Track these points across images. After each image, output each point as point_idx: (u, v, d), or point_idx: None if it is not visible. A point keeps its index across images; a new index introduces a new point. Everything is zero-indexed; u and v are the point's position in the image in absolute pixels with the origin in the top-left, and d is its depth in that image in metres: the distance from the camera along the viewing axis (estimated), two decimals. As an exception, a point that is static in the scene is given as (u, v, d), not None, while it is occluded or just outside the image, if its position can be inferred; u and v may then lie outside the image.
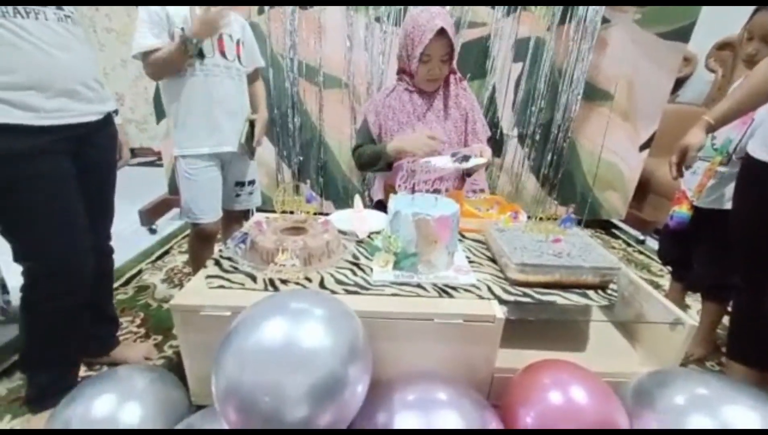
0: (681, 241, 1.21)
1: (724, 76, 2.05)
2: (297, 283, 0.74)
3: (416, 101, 1.14)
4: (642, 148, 1.87)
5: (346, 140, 1.86)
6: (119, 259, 1.56)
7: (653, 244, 1.91)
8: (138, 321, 1.23)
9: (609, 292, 0.76)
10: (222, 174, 1.17)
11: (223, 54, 1.06)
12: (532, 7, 1.64)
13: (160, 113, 1.81)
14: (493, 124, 1.81)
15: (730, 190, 1.04)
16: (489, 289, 0.75)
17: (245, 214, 1.32)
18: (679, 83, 2.57)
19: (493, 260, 0.86)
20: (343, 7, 1.63)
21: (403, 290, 0.73)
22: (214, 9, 0.95)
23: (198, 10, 0.96)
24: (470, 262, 0.85)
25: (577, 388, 0.60)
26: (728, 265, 1.07)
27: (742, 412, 0.54)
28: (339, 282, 0.75)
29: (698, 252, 1.15)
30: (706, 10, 1.65)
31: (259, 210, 1.29)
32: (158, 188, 2.06)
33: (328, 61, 1.72)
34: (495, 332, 0.68)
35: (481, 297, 0.72)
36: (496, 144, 1.86)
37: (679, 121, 2.03)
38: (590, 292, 0.75)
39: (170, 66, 1.00)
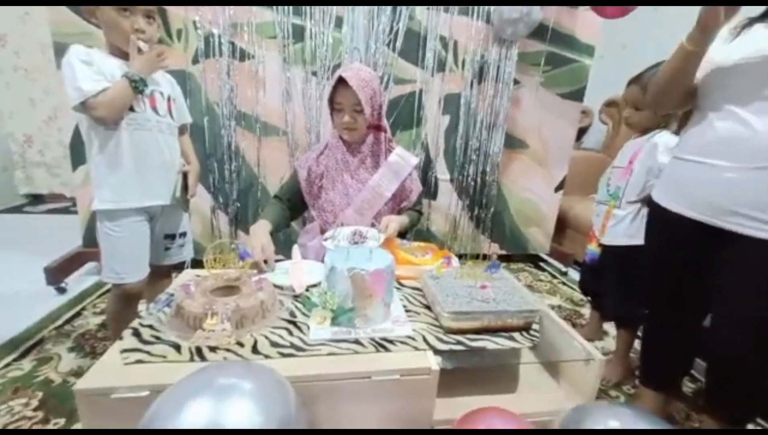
0: (595, 274, 1.36)
1: (613, 128, 2.43)
2: (228, 350, 0.70)
3: (347, 157, 1.20)
4: (557, 189, 2.12)
5: (285, 186, 1.85)
6: (15, 326, 1.36)
7: (574, 274, 2.11)
8: (35, 403, 1.04)
9: (532, 332, 0.82)
10: (150, 226, 1.11)
11: (154, 109, 1.04)
12: (455, 68, 1.83)
13: (76, 159, 1.66)
14: (428, 169, 1.94)
15: (623, 228, 1.22)
16: (424, 339, 0.77)
17: (176, 268, 1.24)
18: (582, 132, 2.99)
19: (429, 307, 0.90)
20: (280, 61, 1.69)
21: (341, 348, 0.73)
22: (156, 48, 0.98)
23: (140, 47, 0.96)
24: (407, 310, 0.88)
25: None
26: (633, 295, 1.23)
27: None
28: (274, 344, 0.72)
29: (607, 284, 1.30)
30: (594, 74, 1.98)
31: (193, 262, 1.22)
32: (70, 239, 1.83)
33: (266, 110, 1.74)
34: (431, 384, 0.70)
35: (416, 348, 0.74)
36: (431, 188, 1.97)
37: (585, 164, 2.36)
38: (516, 335, 0.81)
39: (123, 104, 0.96)
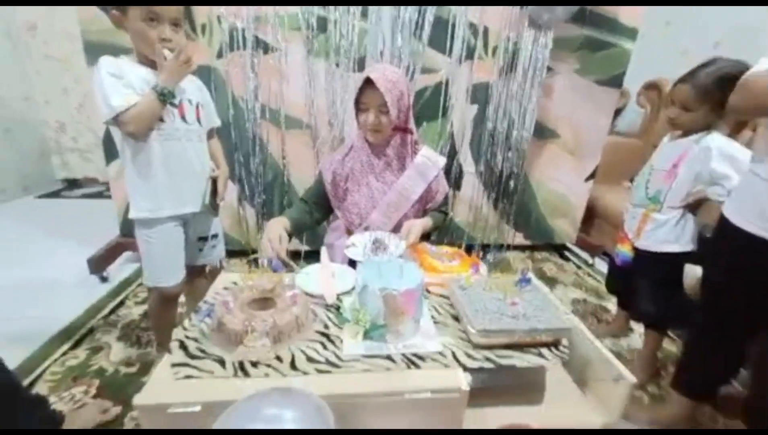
0: (625, 275, 1.33)
1: (651, 113, 2.29)
2: (268, 365, 0.75)
3: (372, 160, 1.19)
4: (587, 179, 2.04)
5: (309, 179, 1.86)
6: (66, 315, 1.47)
7: (601, 265, 2.08)
8: (93, 390, 1.15)
9: (561, 348, 0.83)
10: (184, 230, 1.15)
11: (183, 118, 1.05)
12: (484, 56, 1.75)
13: (109, 154, 1.72)
14: (453, 160, 1.91)
15: (663, 233, 1.17)
16: (454, 355, 0.79)
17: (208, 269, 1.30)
18: (616, 113, 2.84)
19: (457, 319, 0.91)
20: (304, 53, 1.66)
21: (373, 364, 0.76)
22: (182, 56, 0.96)
23: (166, 56, 0.95)
24: (435, 322, 0.89)
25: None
26: (667, 300, 1.20)
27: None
28: (310, 359, 0.76)
29: (639, 287, 1.27)
30: (636, 56, 1.86)
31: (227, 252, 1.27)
32: (106, 225, 1.91)
33: (289, 104, 1.74)
34: (461, 402, 0.72)
35: (446, 366, 0.76)
36: (456, 179, 1.95)
37: (618, 151, 2.26)
38: (545, 351, 0.82)
39: (153, 117, 0.97)
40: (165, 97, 0.96)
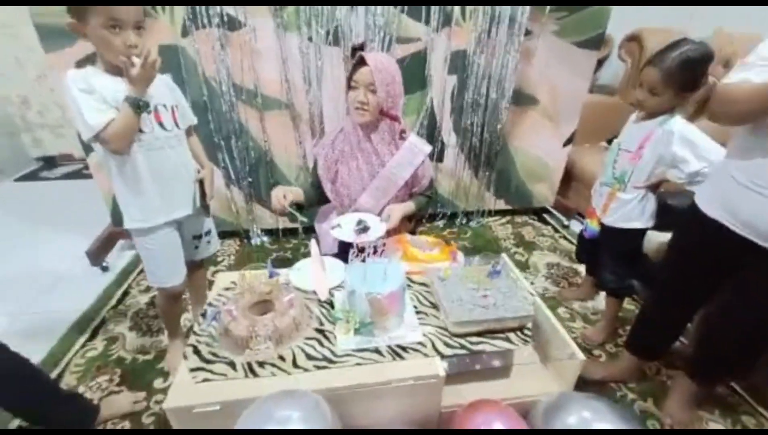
0: (591, 246, 1.44)
1: (632, 68, 2.28)
2: (273, 365, 0.86)
3: (363, 144, 1.25)
4: (565, 144, 2.10)
5: (293, 158, 1.89)
6: (77, 306, 1.57)
7: (576, 227, 2.21)
8: (117, 378, 1.28)
9: (525, 332, 0.97)
10: (179, 231, 1.20)
11: (161, 125, 1.05)
12: (462, 21, 1.69)
13: (87, 147, 1.69)
14: (435, 131, 1.92)
15: (627, 211, 1.25)
16: (433, 345, 0.92)
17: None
18: (598, 64, 2.80)
19: (436, 307, 1.03)
20: (274, 28, 1.58)
21: (364, 357, 0.88)
22: (149, 60, 0.92)
23: (134, 63, 0.91)
24: (417, 311, 1.01)
25: (497, 421, 0.81)
26: (627, 272, 1.34)
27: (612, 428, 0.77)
28: (309, 357, 0.88)
29: (603, 259, 1.39)
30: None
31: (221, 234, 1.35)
32: (94, 210, 1.92)
33: (265, 83, 1.69)
34: (439, 385, 0.86)
35: (426, 355, 0.89)
36: (438, 152, 1.98)
37: (597, 111, 2.28)
38: (511, 335, 0.95)
39: (132, 131, 0.97)
40: (140, 108, 0.95)
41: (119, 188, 1.07)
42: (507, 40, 1.72)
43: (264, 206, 1.98)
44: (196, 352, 0.90)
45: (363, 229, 1.16)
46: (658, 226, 1.41)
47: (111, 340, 1.44)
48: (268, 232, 2.09)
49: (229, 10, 1.53)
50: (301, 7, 1.55)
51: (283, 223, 2.06)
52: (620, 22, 2.33)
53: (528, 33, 1.74)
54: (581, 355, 0.91)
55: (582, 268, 1.82)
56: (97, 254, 1.82)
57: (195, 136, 1.24)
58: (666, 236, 1.54)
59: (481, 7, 1.66)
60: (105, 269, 1.83)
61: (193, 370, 0.85)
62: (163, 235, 1.14)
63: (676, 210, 1.51)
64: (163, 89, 1.07)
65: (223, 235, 2.02)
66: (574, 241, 2.05)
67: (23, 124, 2.95)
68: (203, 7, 1.50)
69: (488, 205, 2.22)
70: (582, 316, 1.56)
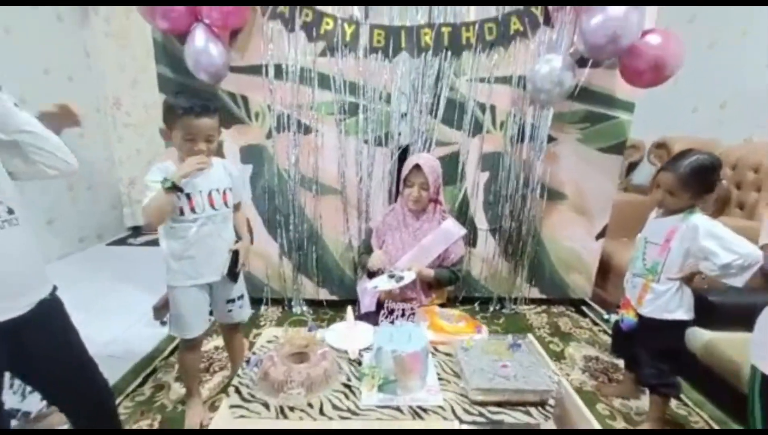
0: (629, 340, 1.38)
1: (662, 171, 2.40)
2: (302, 411, 0.94)
3: (408, 220, 1.54)
4: (598, 237, 2.16)
5: (339, 236, 2.13)
6: (136, 355, 1.75)
7: (617, 322, 2.13)
8: (155, 425, 1.38)
9: (547, 408, 0.97)
10: (212, 294, 1.36)
11: (212, 206, 1.27)
12: (493, 129, 1.99)
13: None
14: (468, 220, 2.10)
15: (664, 302, 1.25)
16: (452, 409, 0.95)
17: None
18: (632, 167, 2.96)
19: (458, 375, 1.07)
20: (337, 132, 1.97)
21: (384, 414, 0.94)
22: (193, 160, 1.14)
23: (188, 160, 1.14)
24: (440, 378, 1.06)
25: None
26: (668, 366, 1.28)
27: None
28: (335, 407, 0.95)
29: (642, 353, 1.34)
30: (644, 108, 2.03)
31: (252, 300, 1.51)
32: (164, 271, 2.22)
33: (324, 174, 2.03)
34: (456, 451, 0.88)
35: (445, 418, 0.93)
36: (471, 237, 2.13)
37: (630, 208, 2.36)
38: (532, 409, 0.96)
39: (160, 210, 1.14)
40: (164, 183, 1.10)
41: (164, 251, 1.26)
42: (534, 146, 1.97)
43: (308, 278, 2.18)
44: (237, 391, 1.01)
45: (397, 278, 1.35)
46: (702, 323, 1.37)
47: (158, 387, 1.57)
48: (310, 302, 2.24)
49: (304, 119, 1.96)
50: (360, 117, 1.95)
51: (323, 295, 2.22)
52: (649, 129, 2.56)
53: (553, 139, 1.99)
54: (605, 438, 0.89)
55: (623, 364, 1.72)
56: (160, 310, 2.06)
57: (241, 212, 1.45)
58: (711, 334, 1.48)
59: (509, 118, 1.96)
60: (164, 324, 2.05)
61: (232, 406, 0.96)
62: (190, 294, 1.29)
63: (718, 306, 1.48)
64: (221, 175, 1.30)
65: (270, 302, 2.21)
66: (615, 337, 1.97)
67: (127, 200, 3.61)
68: (285, 116, 1.94)
69: (522, 292, 2.24)
70: (624, 415, 1.44)
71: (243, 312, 1.45)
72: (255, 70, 1.88)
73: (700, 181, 1.18)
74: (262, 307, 2.21)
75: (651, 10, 1.68)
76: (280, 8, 1.80)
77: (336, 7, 1.82)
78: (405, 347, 0.98)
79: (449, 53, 1.88)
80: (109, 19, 3.24)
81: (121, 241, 3.52)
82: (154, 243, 3.43)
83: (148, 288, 2.33)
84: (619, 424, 1.40)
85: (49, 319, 0.92)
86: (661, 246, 1.25)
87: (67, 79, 3.09)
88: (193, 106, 1.15)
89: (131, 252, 3.30)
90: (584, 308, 2.29)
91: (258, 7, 1.79)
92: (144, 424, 1.38)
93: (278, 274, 2.17)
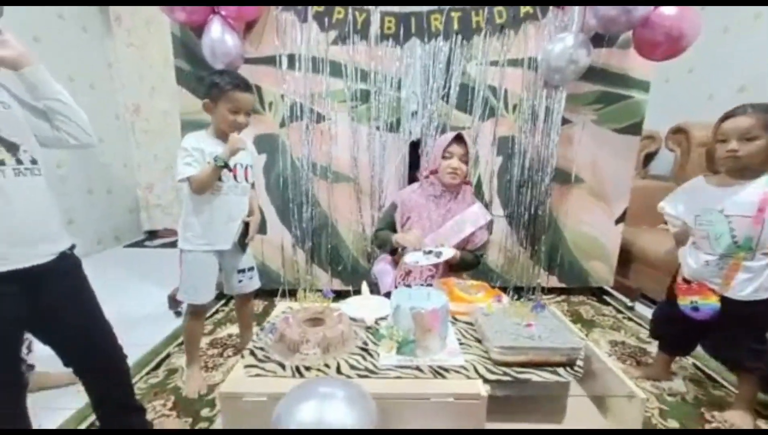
0: (686, 324, 1.25)
1: (682, 156, 2.34)
2: (318, 370, 0.91)
3: (439, 199, 1.49)
4: (617, 221, 2.10)
5: (353, 224, 2.12)
6: (151, 341, 1.74)
7: (642, 309, 2.04)
8: (170, 404, 1.35)
9: (576, 368, 0.92)
10: (223, 263, 1.42)
11: (235, 178, 1.35)
12: (506, 113, 1.98)
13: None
14: (484, 205, 2.06)
15: (762, 281, 1.12)
16: (475, 369, 0.91)
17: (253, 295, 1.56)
18: (649, 157, 2.89)
19: (480, 341, 1.03)
20: (349, 119, 1.99)
21: (405, 373, 0.90)
22: (237, 139, 1.24)
23: (232, 139, 1.24)
24: (461, 343, 1.02)
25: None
26: (764, 345, 1.18)
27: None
28: (352, 367, 0.92)
29: (733, 337, 1.20)
30: (659, 98, 1.98)
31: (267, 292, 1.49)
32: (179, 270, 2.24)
33: (337, 162, 2.04)
34: (481, 408, 0.83)
35: (468, 377, 0.88)
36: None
37: (649, 194, 2.29)
38: (560, 370, 0.91)
39: (208, 182, 1.25)
40: (218, 161, 1.23)
41: (187, 216, 1.33)
42: (547, 129, 1.95)
43: (321, 268, 2.16)
44: (252, 353, 0.98)
45: (437, 254, 1.30)
46: None
47: (171, 371, 1.55)
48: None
49: (317, 107, 1.98)
50: (373, 104, 1.96)
51: (336, 286, 2.19)
52: (664, 119, 2.51)
53: (567, 121, 1.96)
54: (641, 393, 0.83)
55: (651, 348, 1.64)
56: (174, 300, 2.06)
57: (254, 190, 1.52)
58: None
59: (522, 102, 1.95)
60: (178, 314, 2.04)
61: (247, 366, 0.93)
62: (202, 259, 1.35)
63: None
64: (246, 153, 1.39)
65: (286, 293, 2.19)
66: (642, 323, 1.88)
67: (145, 204, 3.68)
68: (298, 105, 1.97)
69: (540, 281, 2.17)
70: (656, 396, 1.35)
71: (253, 283, 1.51)
72: (269, 60, 1.92)
73: None
74: (278, 299, 2.19)
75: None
76: (294, -2, 1.85)
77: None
78: (424, 304, 0.94)
79: (460, 38, 1.89)
80: (131, 30, 3.38)
81: (138, 244, 3.57)
82: (170, 245, 3.47)
83: (163, 285, 2.33)
84: (652, 404, 1.32)
85: (69, 273, 0.93)
86: (754, 217, 1.10)
87: (90, 87, 3.22)
88: (240, 81, 1.27)
89: (147, 254, 3.34)
90: (606, 297, 2.20)
91: (272, -1, 1.84)
92: (158, 404, 1.35)
93: (291, 264, 2.15)
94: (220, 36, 1.72)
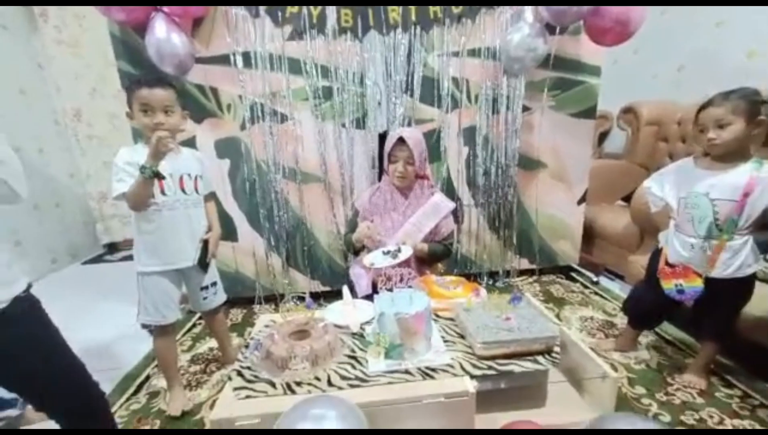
0: (660, 304, 1.34)
1: (633, 134, 2.49)
2: (309, 384, 0.92)
3: (396, 198, 1.49)
4: (579, 202, 2.21)
5: (327, 224, 2.10)
6: (127, 364, 1.66)
7: (606, 283, 2.19)
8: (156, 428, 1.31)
9: (553, 355, 0.98)
10: (185, 281, 1.38)
11: (183, 190, 1.28)
12: (468, 104, 2.01)
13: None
14: (455, 197, 2.11)
15: (742, 258, 1.17)
16: (461, 366, 0.95)
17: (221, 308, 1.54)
18: (603, 136, 3.05)
19: (463, 336, 1.07)
20: (314, 117, 1.94)
21: (395, 377, 0.92)
22: (158, 136, 1.08)
23: (152, 139, 1.08)
24: (445, 340, 1.06)
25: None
26: (736, 317, 1.27)
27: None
28: (343, 377, 0.93)
29: (711, 312, 1.27)
30: (610, 78, 2.08)
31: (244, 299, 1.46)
32: None
33: (304, 162, 1.99)
34: (470, 404, 0.87)
35: (455, 375, 0.92)
36: (456, 214, 2.14)
37: (606, 173, 2.44)
38: (539, 358, 0.97)
39: (141, 195, 1.15)
40: (144, 172, 1.09)
41: (136, 237, 1.27)
42: (509, 117, 2.00)
43: (298, 271, 2.14)
44: (240, 374, 0.97)
45: (393, 254, 1.30)
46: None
47: (153, 394, 1.50)
48: (301, 298, 2.19)
49: (279, 107, 1.92)
50: (336, 101, 1.92)
51: (315, 287, 2.18)
52: (615, 99, 2.64)
53: (527, 109, 2.02)
54: (613, 373, 0.90)
55: (617, 320, 1.77)
56: (147, 318, 1.97)
57: (212, 202, 1.45)
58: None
59: (483, 91, 1.98)
60: (152, 332, 1.96)
61: (236, 388, 0.92)
62: (160, 281, 1.30)
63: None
64: (191, 162, 1.33)
65: (261, 300, 2.15)
66: (606, 297, 2.02)
67: (99, 215, 3.44)
68: (259, 106, 1.89)
69: (513, 264, 2.27)
70: (625, 365, 1.47)
71: (218, 298, 1.49)
72: (222, 60, 1.82)
73: (750, 106, 1.10)
74: (255, 306, 2.15)
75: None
76: (243, -7, 1.75)
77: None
78: (408, 309, 0.96)
79: (419, 29, 1.87)
80: (60, 27, 3.07)
81: (98, 259, 3.35)
82: (132, 258, 3.29)
83: (131, 301, 2.20)
84: (621, 374, 1.43)
85: (23, 318, 0.86)
86: (738, 202, 1.14)
87: (19, 92, 2.92)
88: (147, 78, 1.19)
89: (109, 269, 3.14)
90: (573, 274, 2.34)
91: (219, -7, 1.74)
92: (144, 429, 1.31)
93: (267, 269, 2.11)
94: (165, 35, 1.60)
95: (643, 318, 1.50)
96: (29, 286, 0.89)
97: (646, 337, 1.62)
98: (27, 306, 0.87)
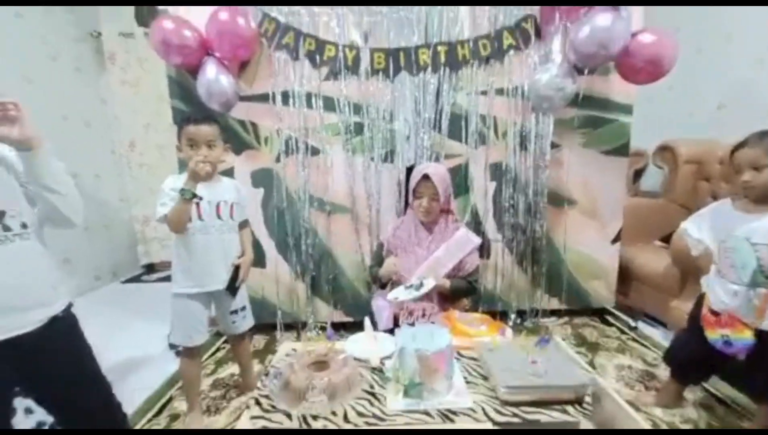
0: (707, 355, 1.22)
1: (670, 171, 2.39)
2: (326, 419, 0.90)
3: (420, 233, 1.49)
4: (613, 241, 2.12)
5: (352, 254, 2.12)
6: (152, 384, 1.71)
7: (645, 328, 2.04)
8: (173, 453, 1.32)
9: (584, 405, 0.91)
10: (217, 307, 1.44)
11: (218, 216, 1.35)
12: (496, 140, 2.03)
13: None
14: (481, 232, 2.09)
15: None
16: (484, 411, 0.90)
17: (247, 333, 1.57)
18: (638, 174, 2.95)
19: (486, 378, 1.02)
20: (344, 151, 2.02)
21: (413, 418, 0.89)
22: (195, 160, 1.17)
23: (189, 165, 1.17)
24: (467, 381, 1.01)
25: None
26: None
27: None
28: (360, 414, 0.91)
29: (764, 369, 1.16)
30: (644, 115, 2.04)
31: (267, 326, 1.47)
32: None
33: (333, 193, 2.06)
34: (492, 453, 0.82)
35: (477, 420, 0.87)
36: (484, 248, 2.10)
37: (642, 212, 2.34)
38: (569, 408, 0.90)
39: (180, 218, 1.22)
40: (184, 194, 1.17)
41: (174, 260, 1.34)
42: (537, 153, 1.99)
43: (322, 300, 2.15)
44: (258, 403, 0.97)
45: (416, 286, 1.29)
46: None
47: (173, 417, 1.52)
48: (323, 327, 2.19)
49: (312, 141, 2.02)
50: (366, 136, 2.00)
51: (337, 317, 2.18)
52: (650, 136, 2.57)
53: (556, 146, 2.01)
54: None
55: (660, 372, 1.63)
56: (176, 339, 2.03)
57: (248, 229, 1.53)
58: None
59: (511, 128, 2.00)
60: (179, 353, 2.00)
61: (253, 417, 0.92)
62: (188, 302, 1.35)
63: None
64: (229, 190, 1.42)
65: (284, 327, 2.17)
66: (646, 344, 1.88)
67: (142, 237, 3.66)
68: (293, 139, 2.00)
69: (541, 303, 2.17)
70: (668, 423, 1.34)
71: (246, 322, 1.52)
72: (263, 97, 1.97)
73: None
74: (277, 333, 2.16)
75: (636, 17, 1.75)
76: (285, 39, 1.90)
77: (336, 33, 1.92)
78: (429, 346, 0.94)
79: (447, 70, 1.95)
80: (125, 68, 3.45)
81: (136, 279, 3.53)
82: (167, 279, 3.44)
83: (163, 321, 2.29)
84: None
85: (60, 338, 0.90)
86: None
87: (84, 125, 3.25)
88: (195, 115, 1.33)
89: (145, 289, 3.30)
90: (608, 317, 2.20)
91: (264, 39, 1.90)
92: (160, 455, 1.31)
93: (291, 298, 2.14)
94: (214, 77, 1.76)
95: (687, 370, 1.37)
96: (69, 305, 0.96)
97: (693, 394, 1.48)
98: (64, 325, 0.92)
